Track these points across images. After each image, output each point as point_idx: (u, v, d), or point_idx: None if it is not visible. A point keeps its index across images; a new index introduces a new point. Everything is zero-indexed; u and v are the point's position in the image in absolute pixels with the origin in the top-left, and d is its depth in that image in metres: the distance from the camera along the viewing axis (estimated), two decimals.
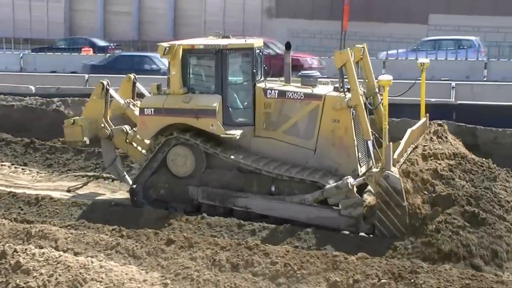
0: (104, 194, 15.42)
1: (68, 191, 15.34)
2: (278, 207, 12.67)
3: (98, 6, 53.02)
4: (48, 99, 22.37)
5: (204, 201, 13.30)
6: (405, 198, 11.34)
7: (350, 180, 12.09)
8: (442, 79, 24.43)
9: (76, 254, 10.46)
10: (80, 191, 15.46)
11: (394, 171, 11.43)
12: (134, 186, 13.82)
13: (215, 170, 13.37)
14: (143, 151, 14.55)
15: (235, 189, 13.09)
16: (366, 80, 13.59)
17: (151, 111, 13.44)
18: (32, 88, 25.19)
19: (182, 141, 13.38)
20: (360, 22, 41.97)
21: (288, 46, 13.88)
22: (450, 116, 17.40)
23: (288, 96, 13.20)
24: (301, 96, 13.10)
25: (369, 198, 12.60)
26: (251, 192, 12.98)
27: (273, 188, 12.88)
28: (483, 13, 39.78)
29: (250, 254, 10.33)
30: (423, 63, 13.78)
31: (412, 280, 9.46)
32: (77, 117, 15.17)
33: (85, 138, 14.72)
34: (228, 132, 13.01)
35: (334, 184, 12.19)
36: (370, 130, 12.58)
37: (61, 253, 10.12)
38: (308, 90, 13.19)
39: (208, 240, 11.05)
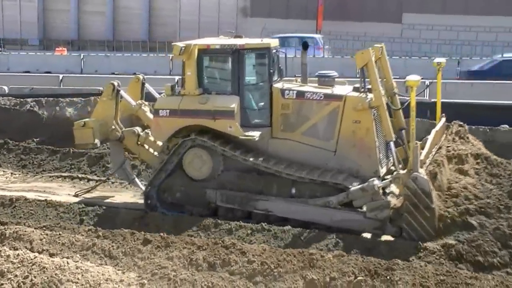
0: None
1: (76, 195, 14.99)
2: (301, 210, 12.39)
3: (72, 6, 52.63)
4: (22, 100, 22.16)
5: (222, 204, 13.00)
6: (433, 200, 11.14)
7: (376, 182, 11.87)
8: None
9: (51, 255, 10.39)
10: (55, 191, 15.34)
11: (422, 172, 11.25)
12: (148, 189, 13.55)
13: (233, 172, 13.09)
14: (155, 153, 14.26)
15: (254, 192, 12.81)
16: (385, 80, 13.23)
17: (166, 112, 13.09)
18: (5, 88, 24.93)
19: (199, 143, 13.04)
20: (335, 21, 42.16)
21: (305, 46, 13.61)
22: (425, 114, 17.48)
23: (306, 96, 12.86)
24: (321, 97, 12.77)
25: (393, 200, 12.30)
26: (271, 194, 12.72)
27: (293, 191, 12.63)
28: (456, 12, 40.17)
29: (227, 253, 10.33)
30: (439, 63, 13.41)
31: (388, 277, 9.52)
32: (87, 119, 14.68)
33: (96, 141, 14.34)
34: (246, 133, 12.70)
35: (360, 186, 11.94)
36: (392, 130, 12.40)
37: (36, 254, 10.05)
38: (328, 91, 12.88)
39: (185, 240, 11.04)
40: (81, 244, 10.87)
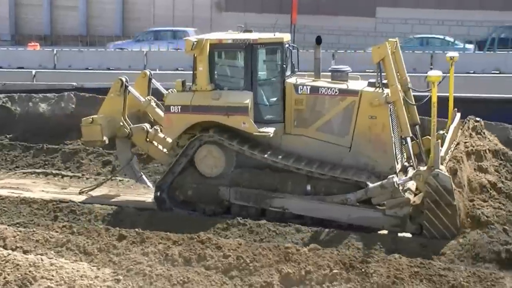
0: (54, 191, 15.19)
1: (80, 193, 14.74)
2: (318, 207, 12.24)
3: (45, 1, 51.97)
4: None
5: (236, 202, 12.80)
6: (455, 197, 11.05)
7: (396, 179, 11.76)
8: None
9: (25, 252, 10.31)
10: (28, 187, 15.20)
11: (443, 169, 11.17)
12: (159, 186, 13.32)
13: (246, 169, 12.87)
14: (165, 150, 14.06)
15: (268, 189, 12.64)
16: (398, 75, 12.98)
17: (178, 108, 12.85)
18: None
19: (212, 140, 12.82)
20: (309, 15, 42.16)
21: (318, 41, 13.31)
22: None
23: (321, 92, 12.71)
24: (336, 92, 12.63)
25: (411, 197, 12.15)
26: (285, 191, 12.54)
27: (308, 188, 12.49)
28: (429, 6, 40.39)
29: (202, 248, 10.34)
30: (452, 57, 13.17)
31: (363, 270, 9.61)
32: (95, 116, 14.25)
33: (104, 138, 14.01)
34: (260, 130, 12.52)
35: (379, 183, 11.81)
36: (408, 126, 12.34)
37: (10, 251, 9.97)
38: (343, 86, 12.72)
39: (160, 235, 11.01)
40: (56, 241, 10.80)
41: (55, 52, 32.61)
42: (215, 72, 12.97)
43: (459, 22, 40.10)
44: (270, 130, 12.53)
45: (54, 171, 16.42)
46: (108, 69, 29.24)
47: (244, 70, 12.87)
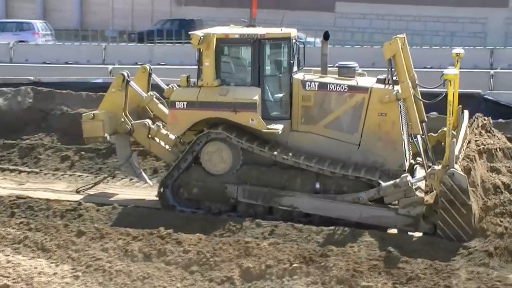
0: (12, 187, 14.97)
1: (78, 192, 14.38)
2: (328, 206, 12.02)
3: None
4: None
5: (244, 200, 12.50)
6: (470, 197, 10.91)
7: (410, 178, 11.63)
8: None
9: None
10: None
11: (458, 168, 10.98)
12: (163, 183, 13.00)
13: (254, 167, 12.60)
14: (167, 146, 13.77)
15: (276, 187, 12.38)
16: (406, 72, 12.58)
17: (184, 104, 12.51)
18: None
19: (220, 137, 12.51)
20: (269, 9, 42.19)
21: (326, 36, 13.08)
22: None
23: (330, 88, 12.50)
24: (345, 89, 12.43)
25: (423, 196, 12.00)
26: (293, 189, 12.30)
27: (317, 186, 12.28)
28: (387, 1, 40.89)
29: (162, 243, 10.30)
30: (458, 53, 13.02)
31: (322, 263, 9.68)
32: (96, 111, 13.86)
33: (106, 134, 13.62)
34: (269, 126, 12.27)
35: (392, 182, 11.66)
36: (419, 123, 12.23)
37: None
38: (352, 82, 12.52)
39: (120, 231, 10.92)
40: (13, 238, 10.64)
41: (11, 45, 32.11)
42: (222, 68, 12.71)
43: (417, 17, 40.69)
44: (278, 127, 12.33)
45: (11, 167, 16.18)
46: (66, 63, 28.94)
47: (251, 65, 12.62)
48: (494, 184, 11.90)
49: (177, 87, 13.43)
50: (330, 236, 11.21)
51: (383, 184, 11.74)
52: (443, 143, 12.85)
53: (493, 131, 13.39)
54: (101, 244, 10.38)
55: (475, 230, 10.98)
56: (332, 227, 11.51)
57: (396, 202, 11.85)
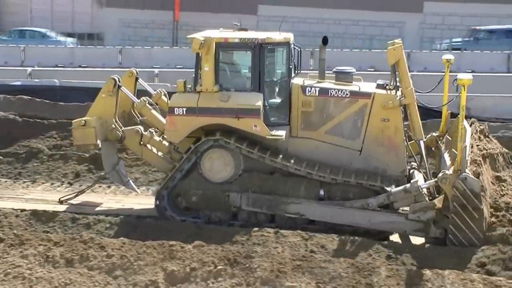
0: None
1: (60, 202, 13.74)
2: (336, 213, 11.88)
3: None
4: None
5: (248, 208, 12.24)
6: (482, 201, 10.93)
7: (420, 183, 11.63)
8: None
9: None
10: None
11: (469, 173, 11.02)
12: (160, 191, 12.64)
13: (256, 174, 12.35)
14: (159, 153, 13.32)
15: (279, 194, 12.17)
16: None
17: (183, 110, 12.16)
18: None
19: (220, 144, 12.29)
20: (192, 12, 42.19)
21: (325, 41, 12.92)
22: None
23: (331, 93, 12.36)
24: (347, 94, 12.31)
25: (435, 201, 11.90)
26: (297, 196, 12.11)
27: (321, 192, 12.14)
28: (309, 5, 41.47)
29: (85, 248, 10.13)
30: (449, 59, 13.05)
31: (247, 265, 9.74)
32: (87, 118, 13.24)
33: (98, 141, 13.09)
34: (272, 133, 12.03)
35: (402, 187, 11.63)
36: (422, 129, 12.23)
37: None
38: (354, 88, 12.41)
39: (41, 236, 10.66)
40: None
41: None
42: (220, 73, 12.43)
43: (337, 21, 41.45)
44: (282, 133, 12.16)
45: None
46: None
47: (252, 70, 12.36)
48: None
49: (165, 92, 13.28)
50: (255, 237, 11.29)
51: (393, 189, 11.73)
52: (433, 148, 13.38)
53: (490, 136, 13.59)
54: (20, 251, 10.10)
55: (485, 234, 11.06)
56: (256, 228, 11.61)
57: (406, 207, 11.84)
